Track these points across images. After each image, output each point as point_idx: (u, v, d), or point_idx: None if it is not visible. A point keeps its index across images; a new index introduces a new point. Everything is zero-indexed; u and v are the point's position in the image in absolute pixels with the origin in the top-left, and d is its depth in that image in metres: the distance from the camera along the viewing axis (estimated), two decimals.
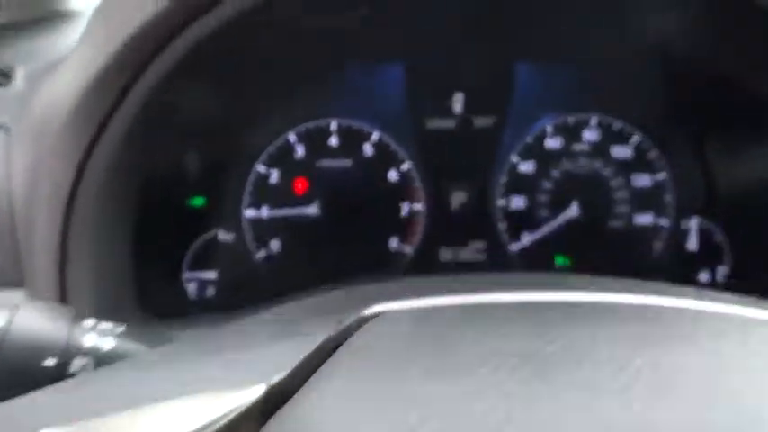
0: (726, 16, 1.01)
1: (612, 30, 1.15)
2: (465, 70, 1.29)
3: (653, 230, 1.30)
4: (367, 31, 1.17)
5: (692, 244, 1.30)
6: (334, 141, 1.28)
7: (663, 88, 1.29)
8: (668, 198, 1.30)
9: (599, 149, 1.30)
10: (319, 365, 0.35)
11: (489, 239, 1.30)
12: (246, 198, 1.27)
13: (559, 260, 1.31)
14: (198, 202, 1.26)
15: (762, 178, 1.25)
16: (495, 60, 1.29)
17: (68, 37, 1.11)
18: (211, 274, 1.26)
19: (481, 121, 1.30)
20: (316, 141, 1.28)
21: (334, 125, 1.28)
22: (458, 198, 1.30)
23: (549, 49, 1.30)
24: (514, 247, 1.30)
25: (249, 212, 1.27)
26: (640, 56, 1.24)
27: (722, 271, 1.30)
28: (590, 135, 1.30)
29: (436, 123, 1.30)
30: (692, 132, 1.30)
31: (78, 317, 0.68)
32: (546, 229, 1.29)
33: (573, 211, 1.27)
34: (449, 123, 1.30)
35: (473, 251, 1.30)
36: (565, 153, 1.30)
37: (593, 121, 1.30)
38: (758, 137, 1.24)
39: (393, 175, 1.29)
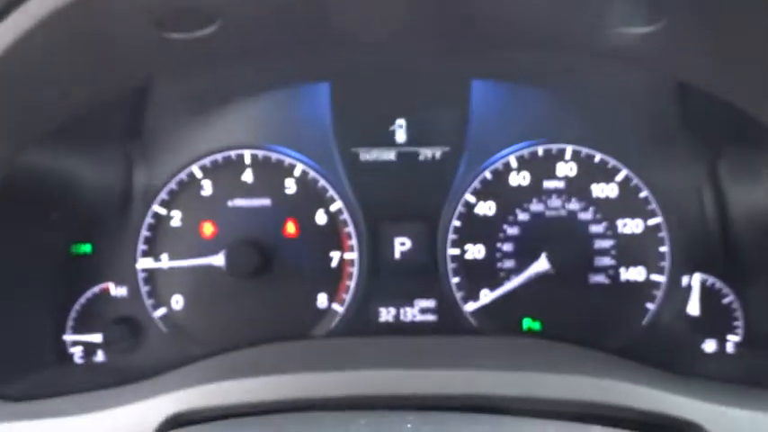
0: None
1: (594, 44, 0.91)
2: (409, 90, 1.06)
3: (644, 289, 1.04)
4: (284, 43, 0.95)
5: (695, 306, 1.03)
6: (248, 176, 1.06)
7: (655, 114, 1.04)
8: (664, 248, 1.04)
9: (576, 187, 1.05)
10: None
11: (439, 297, 1.06)
12: (142, 245, 1.05)
13: (527, 323, 1.06)
14: (83, 249, 1.05)
15: None
16: (446, 77, 1.05)
17: None
18: (99, 337, 1.03)
19: (428, 152, 1.06)
20: (226, 176, 1.05)
21: (248, 157, 1.05)
22: (400, 246, 1.06)
23: (515, 65, 1.05)
24: (470, 306, 1.05)
25: (145, 262, 1.05)
26: (628, 75, 0.99)
27: (733, 340, 1.03)
28: (564, 169, 1.05)
29: (373, 154, 1.06)
30: (694, 166, 1.04)
31: None
32: (510, 286, 1.04)
33: (543, 263, 1.02)
34: (389, 155, 1.06)
35: (420, 311, 1.06)
36: (533, 191, 1.05)
37: (569, 152, 1.05)
38: None
39: (321, 218, 1.06)
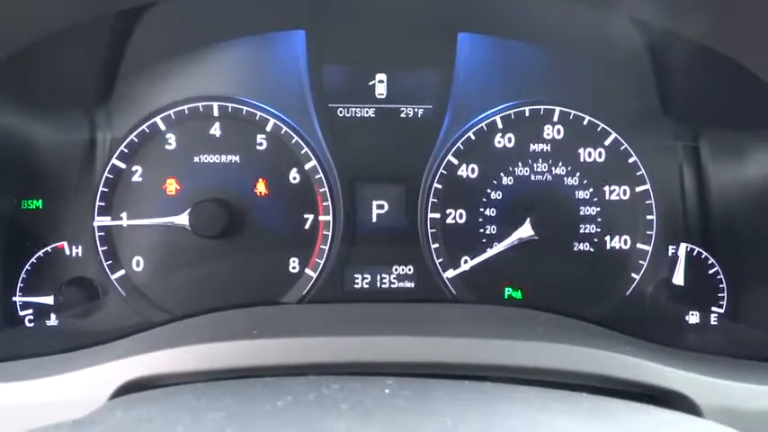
0: None
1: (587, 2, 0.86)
2: (390, 42, 0.99)
3: (630, 257, 1.01)
4: None
5: (680, 276, 1.00)
6: (216, 130, 0.98)
7: (649, 77, 0.99)
8: (651, 216, 1.01)
9: (563, 151, 1.01)
10: None
11: (418, 264, 1.01)
12: (99, 202, 0.97)
13: (508, 292, 1.01)
14: (33, 204, 0.97)
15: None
16: (431, 29, 0.99)
17: None
18: (50, 299, 0.96)
19: (410, 110, 1.00)
20: (192, 130, 0.98)
21: (216, 109, 0.98)
22: (378, 209, 1.01)
23: (505, 20, 1.00)
24: (450, 273, 1.01)
25: (102, 220, 0.98)
26: (621, 35, 0.94)
27: (716, 311, 1.01)
28: (552, 132, 1.01)
29: (351, 110, 1.00)
30: (684, 134, 1.01)
31: None
32: (491, 252, 1.00)
33: (527, 229, 0.98)
34: (368, 111, 1.00)
35: (397, 278, 1.01)
36: (518, 154, 1.00)
37: (557, 113, 1.00)
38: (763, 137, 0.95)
39: (294, 177, 1.00)
